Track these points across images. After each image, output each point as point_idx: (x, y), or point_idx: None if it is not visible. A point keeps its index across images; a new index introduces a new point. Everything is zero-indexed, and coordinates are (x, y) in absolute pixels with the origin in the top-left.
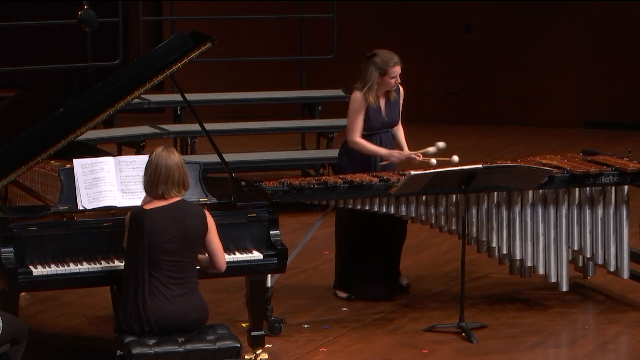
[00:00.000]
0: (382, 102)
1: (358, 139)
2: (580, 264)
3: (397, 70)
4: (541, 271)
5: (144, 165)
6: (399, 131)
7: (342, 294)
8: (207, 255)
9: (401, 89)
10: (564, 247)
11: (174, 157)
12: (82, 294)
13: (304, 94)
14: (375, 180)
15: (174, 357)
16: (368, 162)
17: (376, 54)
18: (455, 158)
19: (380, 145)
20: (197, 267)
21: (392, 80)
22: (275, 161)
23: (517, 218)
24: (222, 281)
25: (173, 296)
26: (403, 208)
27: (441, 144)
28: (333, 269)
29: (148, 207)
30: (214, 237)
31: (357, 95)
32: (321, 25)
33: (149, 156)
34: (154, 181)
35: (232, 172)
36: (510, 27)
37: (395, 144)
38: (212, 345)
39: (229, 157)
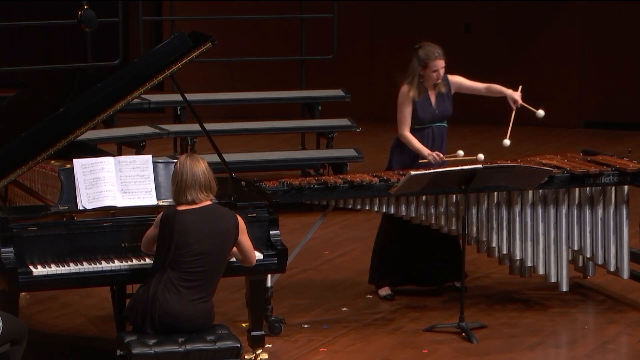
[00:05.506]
0: (433, 95)
1: (407, 133)
2: (580, 264)
3: (439, 64)
4: (541, 271)
5: (144, 166)
6: (494, 87)
7: (383, 292)
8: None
9: (453, 77)
10: (564, 247)
11: (199, 164)
12: (82, 294)
13: (304, 94)
14: (375, 180)
15: (174, 357)
16: (418, 158)
17: (420, 47)
18: (481, 156)
19: (433, 139)
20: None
21: (434, 74)
22: (275, 161)
23: (517, 218)
24: (222, 281)
25: (185, 298)
26: (403, 208)
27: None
28: (333, 268)
29: (181, 208)
30: (245, 238)
31: (403, 89)
32: (321, 25)
33: (174, 166)
34: (181, 189)
35: (232, 172)
36: (510, 27)
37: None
38: (212, 345)
39: (229, 157)
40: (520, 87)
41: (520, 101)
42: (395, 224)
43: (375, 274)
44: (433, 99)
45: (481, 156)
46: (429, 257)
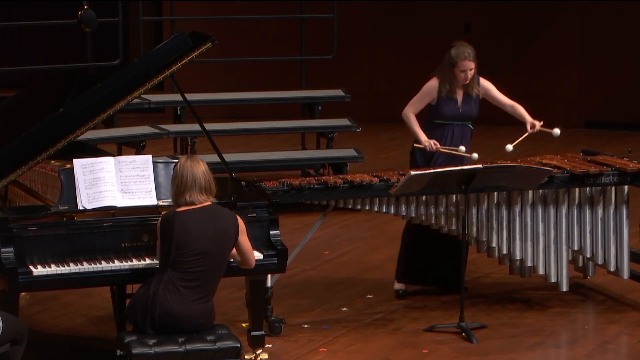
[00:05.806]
0: (460, 94)
1: (410, 114)
2: (580, 264)
3: (467, 64)
4: (541, 271)
5: (144, 166)
6: (518, 109)
7: (398, 286)
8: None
9: (484, 82)
10: (564, 247)
11: (199, 166)
12: (82, 294)
13: (304, 94)
14: (375, 180)
15: (174, 357)
16: (437, 154)
17: (454, 45)
18: (475, 155)
19: (453, 137)
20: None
21: (462, 74)
22: (275, 161)
23: (517, 218)
24: (222, 281)
25: (186, 298)
26: (403, 208)
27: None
28: (333, 269)
29: (180, 209)
30: (244, 239)
31: (432, 81)
32: (321, 25)
33: (174, 167)
34: (181, 190)
35: (232, 172)
36: (510, 27)
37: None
38: (212, 345)
39: (229, 157)
40: (542, 121)
41: (538, 127)
42: (419, 225)
43: (398, 270)
44: (460, 98)
45: (475, 155)
46: (451, 260)
